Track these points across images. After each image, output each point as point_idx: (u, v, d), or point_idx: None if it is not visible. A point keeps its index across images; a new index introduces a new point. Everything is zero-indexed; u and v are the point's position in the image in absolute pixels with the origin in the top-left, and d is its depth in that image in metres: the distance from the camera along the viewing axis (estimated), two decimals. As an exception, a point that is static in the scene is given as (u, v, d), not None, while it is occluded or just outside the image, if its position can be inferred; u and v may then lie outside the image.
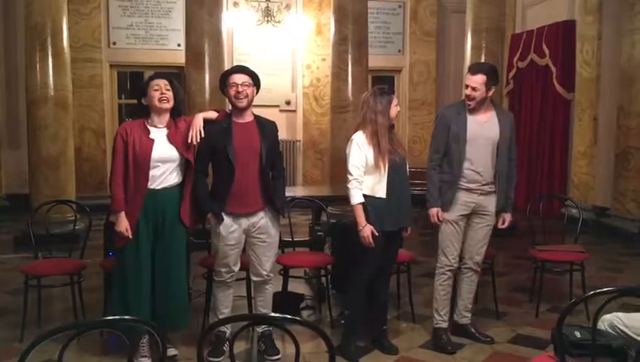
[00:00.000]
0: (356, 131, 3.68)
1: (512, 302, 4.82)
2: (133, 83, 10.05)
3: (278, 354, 3.65)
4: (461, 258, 3.95)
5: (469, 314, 4.05)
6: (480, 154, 3.77)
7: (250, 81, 3.59)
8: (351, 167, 3.59)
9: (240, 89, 3.54)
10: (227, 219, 3.56)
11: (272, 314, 2.40)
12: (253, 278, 3.78)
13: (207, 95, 6.86)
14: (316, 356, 3.68)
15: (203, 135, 3.44)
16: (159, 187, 3.42)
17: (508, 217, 3.94)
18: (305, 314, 4.59)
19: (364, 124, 3.63)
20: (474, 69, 3.83)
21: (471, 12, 7.66)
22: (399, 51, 10.75)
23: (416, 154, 9.94)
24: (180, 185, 3.52)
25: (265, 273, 3.72)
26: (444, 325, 3.93)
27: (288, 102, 10.30)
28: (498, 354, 3.80)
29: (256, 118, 3.68)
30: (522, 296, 4.95)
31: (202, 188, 3.59)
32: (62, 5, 6.96)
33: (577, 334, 2.51)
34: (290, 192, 4.85)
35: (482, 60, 7.22)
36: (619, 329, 2.59)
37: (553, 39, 8.67)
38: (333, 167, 7.83)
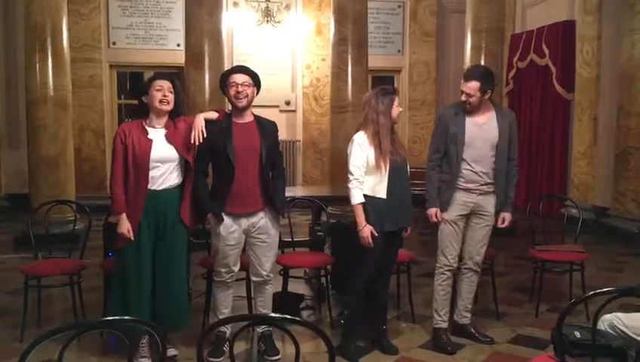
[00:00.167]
0: (357, 131, 3.68)
1: (512, 302, 4.82)
2: (133, 83, 10.05)
3: (278, 355, 3.65)
4: (461, 258, 3.95)
5: (468, 315, 4.05)
6: (479, 156, 3.77)
7: (251, 81, 3.59)
8: (352, 167, 3.59)
9: (240, 89, 3.54)
10: (227, 220, 3.56)
11: (272, 315, 2.40)
12: (253, 278, 3.78)
13: (206, 95, 6.86)
14: (316, 356, 3.68)
15: (205, 135, 3.44)
16: (160, 188, 3.42)
17: (508, 217, 3.94)
18: (305, 314, 4.59)
19: (366, 124, 3.63)
20: (467, 76, 3.81)
21: (471, 12, 7.66)
22: (399, 51, 10.75)
23: (416, 154, 9.94)
24: (181, 186, 3.52)
25: (265, 273, 3.72)
26: (444, 325, 3.93)
27: (288, 103, 10.30)
28: (498, 355, 3.80)
29: (256, 118, 3.68)
30: (522, 296, 4.96)
31: (202, 188, 3.59)
32: (62, 5, 6.97)
33: (577, 334, 2.51)
34: (290, 192, 4.85)
35: (482, 61, 7.23)
36: (619, 329, 2.59)
37: (553, 39, 8.67)
38: (333, 167, 7.83)
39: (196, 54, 6.96)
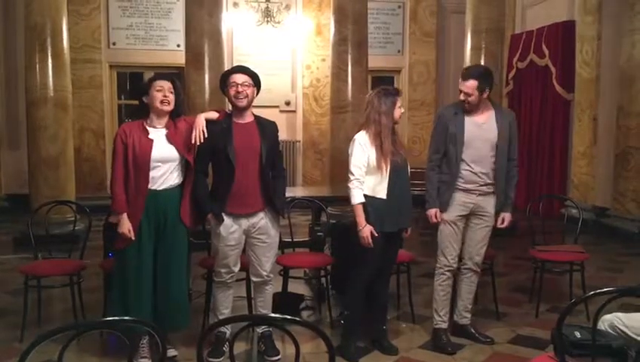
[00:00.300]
0: (359, 131, 3.67)
1: (512, 303, 4.82)
2: (133, 83, 10.05)
3: (278, 355, 3.65)
4: (461, 258, 3.95)
5: (468, 315, 4.05)
6: (478, 156, 3.76)
7: (251, 82, 3.59)
8: (353, 167, 3.59)
9: (240, 89, 3.54)
10: (227, 220, 3.56)
11: (272, 315, 2.40)
12: (253, 279, 3.78)
13: (206, 95, 6.86)
14: (316, 356, 3.68)
15: (206, 135, 3.45)
16: (160, 188, 3.43)
17: (507, 217, 3.93)
18: (305, 314, 4.59)
19: (368, 124, 3.63)
20: (465, 75, 3.80)
21: (470, 12, 7.66)
22: (399, 52, 10.75)
23: (416, 155, 9.94)
24: (181, 186, 3.52)
25: (265, 273, 3.72)
26: (444, 325, 3.93)
27: (288, 103, 10.30)
28: (498, 355, 3.80)
29: (257, 118, 3.68)
30: (522, 297, 4.95)
31: (202, 188, 3.59)
32: (62, 6, 6.97)
33: (577, 334, 2.51)
34: (290, 193, 4.85)
35: (482, 61, 7.23)
36: (619, 329, 2.59)
37: (553, 39, 8.67)
38: (333, 168, 7.83)
39: (196, 54, 6.96)
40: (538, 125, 9.23)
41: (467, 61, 7.56)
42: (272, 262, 3.77)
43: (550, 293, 4.83)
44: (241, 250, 3.70)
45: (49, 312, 4.47)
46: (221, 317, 3.64)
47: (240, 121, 3.60)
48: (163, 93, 3.41)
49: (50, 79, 6.81)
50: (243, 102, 3.56)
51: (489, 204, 3.85)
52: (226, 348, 3.63)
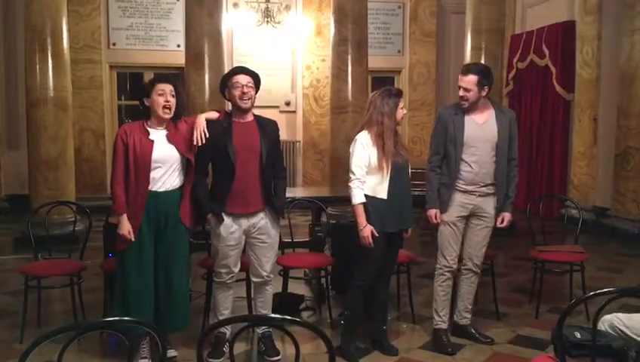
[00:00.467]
0: (360, 130, 3.67)
1: (512, 303, 4.82)
2: (133, 84, 10.05)
3: (278, 355, 3.64)
4: (461, 259, 3.95)
5: (469, 315, 4.05)
6: (478, 156, 3.76)
7: (253, 83, 3.60)
8: (354, 167, 3.58)
9: (245, 90, 3.54)
10: (227, 220, 3.56)
11: (272, 315, 2.40)
12: (253, 279, 3.78)
13: (206, 96, 6.86)
14: (316, 357, 3.68)
15: (207, 135, 3.45)
16: (161, 189, 3.42)
17: (507, 216, 3.91)
18: (305, 315, 4.59)
19: (370, 124, 3.62)
20: (465, 70, 3.82)
21: (470, 13, 7.66)
22: (399, 52, 10.75)
23: (416, 155, 9.94)
24: (182, 187, 3.52)
25: (265, 274, 3.72)
26: (444, 326, 3.93)
27: (288, 103, 10.30)
28: (498, 355, 3.80)
29: (257, 117, 3.68)
30: (522, 297, 4.95)
31: (202, 188, 3.59)
32: (62, 6, 6.97)
33: (577, 335, 2.51)
34: (290, 193, 4.85)
35: (482, 61, 7.23)
36: (619, 329, 2.59)
37: (553, 40, 8.67)
38: (333, 168, 7.83)
39: (196, 55, 6.96)
40: (538, 125, 9.22)
41: (467, 61, 7.54)
42: (272, 262, 3.77)
43: (550, 294, 4.83)
44: (241, 251, 3.70)
45: (49, 313, 4.47)
46: (221, 318, 3.64)
47: (240, 121, 3.60)
48: (165, 97, 3.41)
49: (51, 79, 6.81)
50: (247, 104, 3.57)
51: (489, 204, 3.85)
52: (226, 349, 3.63)
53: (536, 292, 4.60)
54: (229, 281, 3.71)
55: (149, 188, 3.39)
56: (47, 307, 4.44)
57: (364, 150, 3.57)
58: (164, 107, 3.41)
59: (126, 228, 3.36)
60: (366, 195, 3.57)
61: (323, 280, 4.64)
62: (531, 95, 9.40)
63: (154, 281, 3.46)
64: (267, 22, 9.80)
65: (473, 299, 4.09)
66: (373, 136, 3.59)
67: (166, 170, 3.43)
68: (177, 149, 3.45)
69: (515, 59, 9.58)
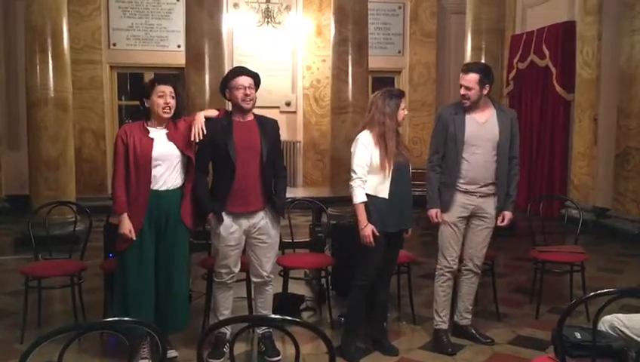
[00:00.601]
0: (362, 130, 3.67)
1: (513, 303, 4.82)
2: (134, 84, 10.05)
3: (278, 356, 3.65)
4: (461, 259, 3.95)
5: (469, 316, 4.05)
6: (479, 156, 3.75)
7: (254, 84, 3.60)
8: (355, 166, 3.58)
9: (248, 92, 3.55)
10: (227, 220, 3.56)
11: (272, 316, 2.40)
12: (254, 279, 3.78)
13: (207, 96, 6.86)
14: (316, 357, 3.68)
15: (205, 132, 3.45)
16: (162, 188, 3.43)
17: (508, 215, 3.90)
18: (305, 315, 4.59)
19: (372, 124, 3.62)
20: (467, 69, 3.83)
21: (471, 13, 7.66)
22: (399, 52, 10.75)
23: (417, 155, 9.94)
24: (183, 186, 3.52)
25: (265, 274, 3.72)
26: (445, 326, 3.93)
27: (288, 104, 10.30)
28: (498, 356, 3.80)
29: (257, 116, 3.68)
30: (522, 297, 4.95)
31: (202, 187, 3.59)
32: (62, 6, 6.97)
33: (578, 335, 2.51)
34: (290, 193, 4.86)
35: (482, 61, 7.23)
36: (619, 330, 2.59)
37: (553, 40, 8.67)
38: (333, 168, 7.84)
39: (196, 55, 6.96)
40: (538, 125, 9.22)
41: (467, 62, 7.56)
42: (272, 262, 3.77)
43: (550, 294, 4.82)
44: (241, 251, 3.70)
45: (49, 313, 4.47)
46: (221, 318, 3.64)
47: (240, 120, 3.60)
48: (165, 99, 3.41)
49: (51, 80, 6.81)
50: (250, 105, 3.58)
51: (490, 205, 3.85)
52: (226, 349, 3.63)
53: (536, 292, 4.60)
54: (229, 281, 3.71)
55: (151, 187, 3.39)
56: (47, 307, 4.44)
57: (365, 150, 3.57)
58: (164, 109, 3.42)
59: (127, 227, 3.36)
60: (367, 195, 3.57)
61: (323, 280, 4.64)
62: (531, 95, 9.40)
63: (154, 281, 3.46)
64: (267, 22, 9.80)
65: (473, 300, 4.09)
66: (375, 136, 3.59)
67: (167, 168, 3.43)
68: (177, 147, 3.46)
69: (515, 60, 9.58)
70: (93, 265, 4.53)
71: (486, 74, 3.76)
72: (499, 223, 3.91)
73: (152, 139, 3.42)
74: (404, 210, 3.67)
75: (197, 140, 3.46)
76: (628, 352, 2.44)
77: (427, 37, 10.64)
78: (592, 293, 2.20)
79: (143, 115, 3.51)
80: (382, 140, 3.57)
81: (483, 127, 3.77)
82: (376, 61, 9.36)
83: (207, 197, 3.58)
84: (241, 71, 3.66)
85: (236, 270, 3.72)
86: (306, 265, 4.69)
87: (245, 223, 3.60)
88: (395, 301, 4.60)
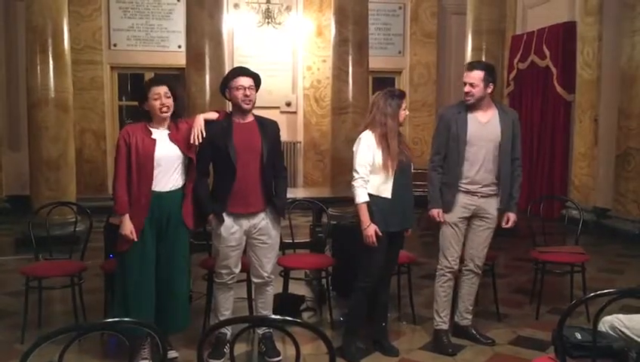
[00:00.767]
0: (364, 130, 3.67)
1: (513, 304, 4.82)
2: (134, 85, 10.05)
3: (278, 356, 3.65)
4: (462, 260, 3.95)
5: (469, 316, 4.05)
6: (480, 156, 3.75)
7: (254, 85, 3.60)
8: (358, 166, 3.58)
9: (248, 92, 3.55)
10: (228, 220, 3.56)
11: (272, 316, 2.40)
12: (254, 280, 3.78)
13: (207, 96, 6.87)
14: (317, 358, 3.68)
15: (205, 135, 3.45)
16: (164, 189, 3.43)
17: (512, 217, 3.91)
18: (305, 315, 4.59)
19: (374, 125, 3.62)
20: (471, 66, 3.84)
21: (471, 13, 7.66)
22: (400, 52, 10.75)
23: (417, 155, 9.91)
24: (184, 187, 3.52)
25: (266, 275, 3.72)
26: (445, 327, 3.93)
27: (289, 104, 10.30)
28: (499, 356, 3.80)
29: (257, 118, 3.69)
30: (523, 298, 4.95)
31: (203, 189, 3.59)
32: (63, 7, 6.97)
33: (578, 336, 2.51)
34: (290, 194, 4.85)
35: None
36: (619, 330, 2.59)
37: (554, 40, 8.67)
38: (333, 169, 7.84)
39: (197, 55, 6.97)
40: (539, 126, 9.22)
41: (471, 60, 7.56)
42: (272, 263, 3.77)
43: (551, 294, 4.82)
44: (241, 251, 3.71)
45: (50, 313, 4.47)
46: (222, 319, 3.64)
47: (240, 121, 3.60)
48: (160, 100, 3.42)
49: (51, 80, 6.82)
50: (249, 106, 3.58)
51: (491, 205, 3.84)
52: (226, 350, 3.63)
53: (536, 293, 4.60)
54: (229, 282, 3.71)
55: (152, 188, 3.39)
56: (47, 308, 4.44)
57: (368, 149, 3.57)
58: (162, 110, 3.43)
59: (128, 228, 3.36)
60: (370, 194, 3.57)
61: (324, 280, 4.64)
62: (532, 96, 9.40)
63: (155, 282, 3.46)
64: (268, 23, 9.80)
65: (474, 300, 4.09)
66: (377, 137, 3.58)
67: (168, 169, 3.43)
68: (179, 148, 3.46)
69: (515, 60, 9.58)
70: (93, 265, 4.54)
71: (490, 72, 3.76)
72: (503, 225, 3.91)
73: (155, 140, 3.42)
74: (406, 210, 3.68)
75: (196, 143, 3.46)
76: (628, 353, 2.43)
77: (427, 37, 10.64)
78: (592, 294, 2.20)
79: (144, 116, 3.52)
80: (384, 141, 3.57)
81: (485, 127, 3.77)
82: (377, 61, 9.36)
83: (207, 199, 3.58)
84: (242, 71, 3.67)
85: (237, 270, 3.72)
86: (306, 266, 4.69)
87: (246, 224, 3.60)
88: (396, 301, 4.60)
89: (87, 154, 9.65)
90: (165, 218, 3.44)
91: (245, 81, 3.57)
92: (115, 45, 9.75)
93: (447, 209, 3.80)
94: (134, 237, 3.37)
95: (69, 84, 7.07)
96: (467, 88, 3.74)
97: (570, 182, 8.49)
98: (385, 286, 3.85)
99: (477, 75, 3.72)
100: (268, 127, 3.68)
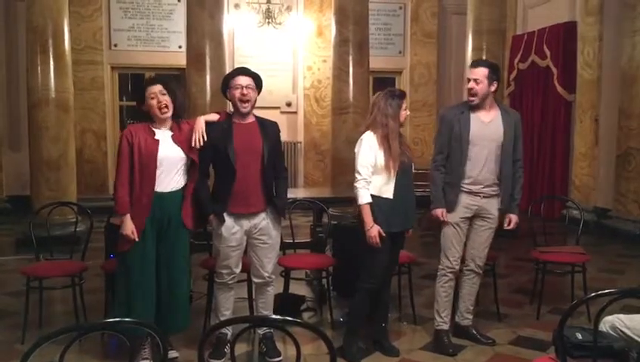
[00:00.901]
0: (365, 131, 3.66)
1: (514, 304, 4.82)
2: (135, 85, 10.05)
3: (279, 356, 3.65)
4: (463, 260, 3.95)
5: (470, 316, 4.04)
6: (483, 156, 3.75)
7: (254, 85, 3.60)
8: (360, 167, 3.58)
9: (245, 91, 3.54)
10: (229, 221, 3.56)
11: (273, 316, 2.40)
12: (255, 280, 3.78)
13: (208, 97, 6.86)
14: (317, 358, 3.68)
15: (206, 138, 3.45)
16: (166, 190, 3.43)
17: (514, 218, 3.91)
18: (306, 316, 4.59)
19: (375, 126, 3.62)
20: (476, 63, 3.86)
21: (472, 13, 7.66)
22: (400, 53, 10.75)
23: (417, 156, 9.93)
24: (185, 188, 3.52)
25: (266, 275, 3.72)
26: (446, 327, 3.93)
27: (289, 104, 10.30)
28: (499, 356, 3.80)
29: (258, 119, 3.69)
30: (523, 298, 4.95)
31: (204, 189, 3.59)
32: (63, 7, 6.98)
33: (579, 336, 2.51)
34: (291, 194, 4.86)
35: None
36: (620, 330, 2.59)
37: (554, 40, 8.67)
38: (334, 169, 7.83)
39: (197, 56, 6.97)
40: (539, 126, 9.22)
41: (468, 62, 7.55)
42: (273, 263, 3.77)
43: (551, 295, 4.82)
44: (242, 251, 3.70)
45: (50, 314, 4.47)
46: (222, 319, 3.64)
47: (241, 122, 3.60)
48: (156, 99, 3.41)
49: (52, 81, 6.82)
50: (247, 107, 3.57)
51: (493, 206, 3.84)
52: (227, 350, 3.63)
53: (537, 293, 4.59)
54: (230, 282, 3.71)
55: (155, 188, 3.39)
56: (48, 308, 4.44)
57: (370, 150, 3.57)
58: (160, 108, 3.42)
59: (130, 228, 3.36)
60: (372, 195, 3.57)
61: (324, 281, 4.64)
62: (532, 96, 9.40)
63: (156, 282, 3.46)
64: (268, 23, 9.81)
65: (475, 300, 4.09)
66: (379, 138, 3.58)
67: (171, 170, 3.43)
68: (182, 149, 3.46)
69: (516, 60, 9.58)
70: (94, 265, 4.54)
71: (494, 70, 3.77)
72: (505, 226, 3.91)
73: (158, 141, 3.42)
74: (409, 210, 3.68)
75: (197, 146, 3.46)
76: (629, 353, 2.43)
77: (428, 37, 10.65)
78: (593, 294, 2.19)
79: (145, 118, 3.51)
80: (385, 141, 3.56)
81: (488, 127, 3.77)
82: (377, 61, 9.36)
83: (208, 199, 3.58)
84: (240, 71, 3.67)
85: (237, 270, 3.72)
86: (306, 266, 4.69)
87: (246, 224, 3.60)
88: (396, 301, 4.60)
89: (88, 155, 9.66)
90: (166, 218, 3.44)
91: (243, 80, 3.57)
92: (115, 45, 9.76)
93: (450, 209, 3.80)
94: (135, 237, 3.36)
95: (69, 85, 7.07)
96: (471, 84, 3.74)
97: (571, 182, 8.49)
98: (386, 287, 3.84)
99: (481, 72, 3.72)
100: (269, 128, 3.68)
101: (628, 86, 7.23)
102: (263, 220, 3.63)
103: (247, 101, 3.56)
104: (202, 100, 6.85)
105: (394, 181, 3.57)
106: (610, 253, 6.57)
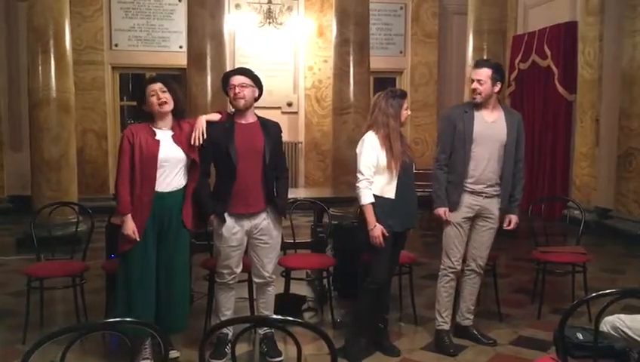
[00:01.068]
0: (367, 131, 3.67)
1: (514, 304, 4.82)
2: (136, 85, 10.05)
3: (280, 356, 3.65)
4: (464, 260, 3.95)
5: (471, 316, 4.04)
6: (486, 155, 3.75)
7: (249, 82, 3.60)
8: (362, 167, 3.58)
9: (237, 90, 3.56)
10: (229, 221, 3.56)
11: (274, 316, 2.40)
12: (255, 280, 3.78)
13: (209, 97, 6.87)
14: (318, 358, 3.68)
15: (206, 136, 3.46)
16: (166, 190, 3.43)
17: (514, 218, 3.91)
18: (307, 316, 4.59)
19: (376, 126, 3.62)
20: (480, 63, 3.85)
21: (472, 13, 7.66)
22: (401, 53, 10.75)
23: (418, 156, 9.93)
24: (186, 188, 3.53)
25: (267, 275, 3.72)
26: (447, 327, 3.93)
27: (290, 104, 10.30)
28: (500, 356, 3.80)
29: (260, 119, 3.69)
30: (524, 298, 4.95)
31: (204, 189, 3.60)
32: (64, 7, 6.98)
33: (579, 336, 2.52)
34: (292, 194, 4.86)
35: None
36: (621, 330, 2.59)
37: (555, 40, 8.67)
38: (335, 169, 7.83)
39: (198, 56, 6.98)
40: (540, 126, 9.22)
41: (469, 62, 7.55)
42: (274, 263, 3.77)
43: (552, 295, 4.82)
44: (243, 251, 3.71)
45: (51, 314, 4.47)
46: (223, 319, 3.64)
47: (242, 122, 3.61)
48: (156, 96, 3.42)
49: (53, 81, 6.82)
50: (240, 103, 3.58)
51: (494, 206, 3.84)
52: (227, 350, 3.63)
53: (538, 293, 4.59)
54: (231, 282, 3.71)
55: (155, 188, 3.39)
56: (49, 308, 4.44)
57: (372, 151, 3.57)
58: (160, 104, 3.42)
59: (131, 228, 3.36)
60: (374, 195, 3.57)
61: (325, 281, 4.64)
62: (533, 96, 9.39)
63: (156, 282, 3.46)
64: (269, 23, 9.80)
65: (475, 300, 4.09)
66: (380, 138, 3.59)
67: (171, 170, 3.43)
68: (182, 149, 3.46)
69: (516, 60, 9.58)
70: (95, 265, 4.54)
71: (497, 70, 3.77)
72: (505, 226, 3.91)
73: (159, 141, 3.42)
74: (410, 210, 3.69)
75: (197, 144, 3.46)
76: (630, 353, 2.44)
77: (428, 37, 10.64)
78: (594, 294, 2.20)
79: (146, 118, 3.51)
80: (387, 141, 3.57)
81: (491, 127, 3.77)
82: (378, 61, 9.35)
83: (209, 199, 3.58)
84: (236, 71, 3.70)
85: (238, 271, 3.72)
86: (307, 266, 4.69)
87: (247, 224, 3.60)
88: (397, 301, 4.60)
89: (89, 155, 9.65)
90: (167, 218, 3.44)
91: (236, 80, 3.58)
92: (116, 45, 9.76)
93: (453, 208, 3.80)
94: (137, 236, 3.37)
95: (70, 85, 7.08)
96: (475, 85, 3.75)
97: (572, 182, 8.49)
98: (386, 287, 3.84)
99: (484, 73, 3.72)
100: (270, 129, 3.68)
101: (628, 86, 7.22)
102: (263, 220, 3.63)
103: (242, 98, 3.56)
104: (203, 100, 6.85)
105: (396, 181, 3.57)
106: (611, 253, 6.57)
